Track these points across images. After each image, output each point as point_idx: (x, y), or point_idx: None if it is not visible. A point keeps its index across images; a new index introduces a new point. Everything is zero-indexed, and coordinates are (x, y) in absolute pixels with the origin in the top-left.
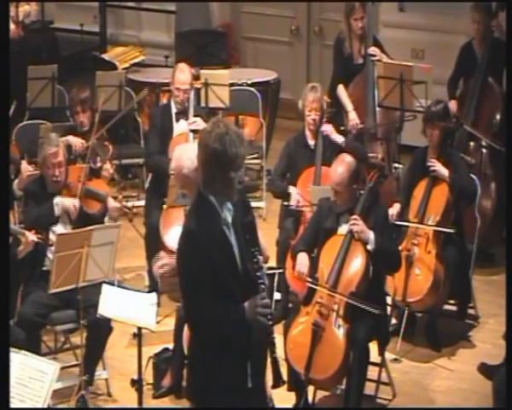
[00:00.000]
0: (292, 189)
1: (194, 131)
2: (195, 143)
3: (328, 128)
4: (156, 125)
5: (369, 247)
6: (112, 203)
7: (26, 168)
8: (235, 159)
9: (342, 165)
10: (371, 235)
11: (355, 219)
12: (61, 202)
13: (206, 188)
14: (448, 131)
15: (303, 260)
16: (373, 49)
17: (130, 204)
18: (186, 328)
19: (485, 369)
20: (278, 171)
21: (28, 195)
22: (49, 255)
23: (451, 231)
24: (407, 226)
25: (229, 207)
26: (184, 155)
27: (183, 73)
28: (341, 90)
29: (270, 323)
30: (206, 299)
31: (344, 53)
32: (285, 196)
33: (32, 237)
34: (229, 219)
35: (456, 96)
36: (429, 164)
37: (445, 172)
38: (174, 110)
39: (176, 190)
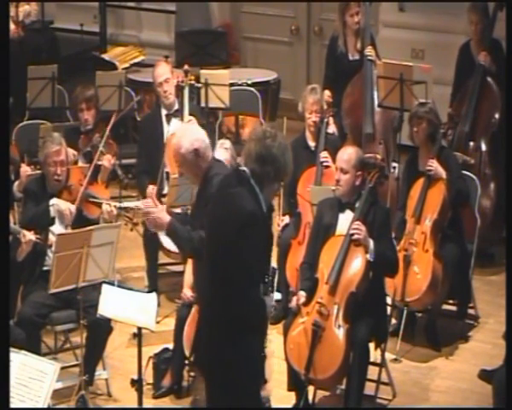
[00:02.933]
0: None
1: None
2: (196, 126)
3: (327, 160)
4: (143, 136)
5: (369, 257)
6: (106, 208)
7: (25, 170)
8: (286, 174)
9: (351, 148)
10: (371, 244)
11: (358, 225)
12: (57, 204)
13: (256, 182)
14: (435, 128)
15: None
16: (369, 49)
17: (127, 204)
18: (186, 328)
19: (485, 375)
20: None
21: (28, 194)
22: (50, 255)
23: None
24: (404, 225)
25: None
26: (185, 136)
27: (159, 67)
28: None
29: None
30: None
31: (336, 51)
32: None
33: (30, 236)
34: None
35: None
36: (428, 165)
37: (442, 173)
38: (164, 113)
39: (176, 190)
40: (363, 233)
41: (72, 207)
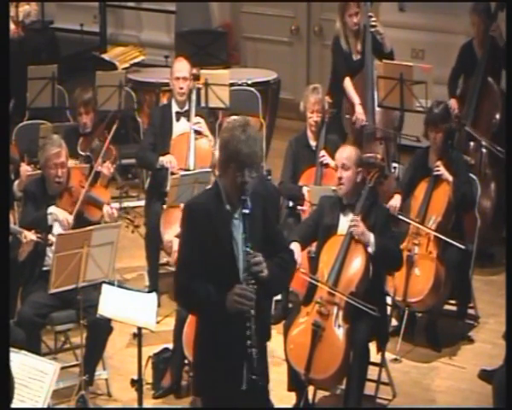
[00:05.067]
0: (305, 190)
1: (196, 132)
2: None
3: (325, 157)
4: (154, 123)
5: (370, 249)
6: (107, 210)
7: (26, 170)
8: (247, 159)
9: (349, 147)
10: (371, 237)
11: (355, 220)
12: (55, 214)
13: (220, 178)
14: (450, 132)
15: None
16: (373, 19)
17: (127, 204)
18: (186, 328)
19: (485, 375)
20: (288, 174)
21: (28, 195)
22: (50, 255)
23: (450, 241)
24: (408, 225)
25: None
26: None
27: (181, 62)
28: (348, 84)
29: (248, 315)
30: (192, 274)
31: (342, 51)
32: (298, 197)
33: (31, 236)
34: (237, 211)
35: (456, 94)
36: (435, 169)
37: (449, 177)
38: (175, 109)
39: (176, 190)
40: (361, 228)
41: (70, 218)
